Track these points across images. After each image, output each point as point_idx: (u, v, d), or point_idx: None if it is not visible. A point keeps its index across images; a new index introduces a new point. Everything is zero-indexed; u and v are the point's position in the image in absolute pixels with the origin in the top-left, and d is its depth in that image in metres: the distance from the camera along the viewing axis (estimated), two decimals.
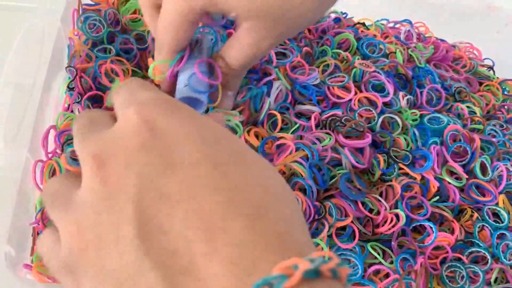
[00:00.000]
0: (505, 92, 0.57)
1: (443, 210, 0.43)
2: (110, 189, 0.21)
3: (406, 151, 0.44)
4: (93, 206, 0.21)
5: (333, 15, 0.56)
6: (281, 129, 0.44)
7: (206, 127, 0.23)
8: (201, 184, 0.20)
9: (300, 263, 0.17)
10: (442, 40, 0.60)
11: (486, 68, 0.60)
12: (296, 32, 0.47)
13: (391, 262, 0.41)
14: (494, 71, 0.60)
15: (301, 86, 0.46)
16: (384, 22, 0.59)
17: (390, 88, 0.48)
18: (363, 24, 0.57)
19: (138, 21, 0.51)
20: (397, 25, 0.60)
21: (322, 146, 0.42)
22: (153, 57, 0.43)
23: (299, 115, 0.47)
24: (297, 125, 0.44)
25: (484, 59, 0.62)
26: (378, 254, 0.41)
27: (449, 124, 0.47)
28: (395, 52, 0.52)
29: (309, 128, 0.44)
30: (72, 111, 0.46)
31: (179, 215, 0.19)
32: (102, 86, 0.47)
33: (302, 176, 0.40)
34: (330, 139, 0.43)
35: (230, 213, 0.19)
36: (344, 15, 0.57)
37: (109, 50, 0.49)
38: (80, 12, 0.49)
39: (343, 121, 0.44)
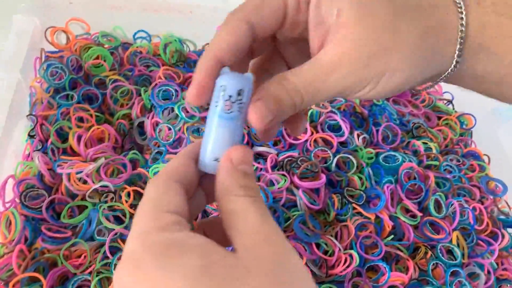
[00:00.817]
0: (463, 126, 0.59)
1: (398, 248, 0.44)
2: None
3: (361, 190, 0.45)
4: None
5: None
6: None
7: None
8: None
9: None
10: None
11: (445, 102, 0.61)
12: None
13: None
14: (453, 105, 0.61)
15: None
16: None
17: (345, 127, 0.49)
18: None
19: (100, 66, 0.52)
20: None
21: (278, 188, 0.43)
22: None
23: (257, 156, 0.48)
24: (254, 167, 0.45)
25: (444, 92, 0.63)
26: None
27: (404, 162, 0.48)
28: None
29: (265, 169, 0.45)
30: (32, 159, 0.46)
31: None
32: (64, 132, 0.48)
33: None
34: (285, 180, 0.44)
35: None
36: None
37: (71, 97, 0.50)
38: (43, 59, 0.51)
39: (298, 162, 0.45)
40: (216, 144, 0.26)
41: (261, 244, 0.23)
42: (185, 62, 0.54)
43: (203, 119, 0.46)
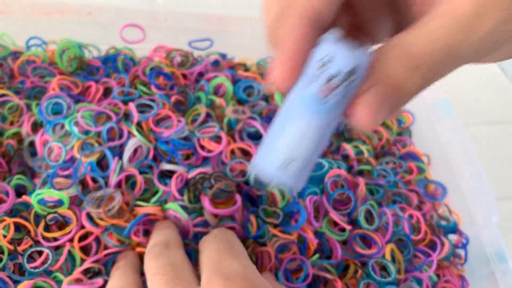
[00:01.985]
0: (401, 125, 0.55)
1: (326, 268, 0.39)
2: None
3: (277, 208, 0.39)
4: None
5: (211, 57, 0.52)
6: (144, 191, 0.40)
7: None
8: None
9: None
10: None
11: None
12: None
13: None
14: None
15: (163, 142, 0.42)
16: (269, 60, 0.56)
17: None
18: (244, 65, 0.53)
19: None
20: None
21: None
22: None
23: (168, 173, 0.42)
24: (160, 191, 0.39)
25: None
26: None
27: (330, 169, 0.43)
28: (275, 94, 0.48)
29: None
30: None
31: None
32: None
33: None
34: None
35: None
36: (222, 57, 0.53)
37: None
38: None
39: (212, 180, 0.39)
40: (292, 144, 0.17)
41: None
42: (86, 69, 0.48)
43: (100, 134, 0.40)
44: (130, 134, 0.41)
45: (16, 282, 0.35)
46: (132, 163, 0.40)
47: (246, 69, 0.53)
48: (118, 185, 0.38)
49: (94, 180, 0.38)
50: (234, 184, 0.39)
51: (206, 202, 0.38)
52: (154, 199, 0.39)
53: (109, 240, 0.36)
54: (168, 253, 0.31)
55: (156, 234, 0.35)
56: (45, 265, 0.35)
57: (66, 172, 0.39)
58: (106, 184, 0.38)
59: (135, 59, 0.50)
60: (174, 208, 0.37)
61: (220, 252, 0.30)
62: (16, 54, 0.48)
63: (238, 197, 0.39)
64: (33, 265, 0.36)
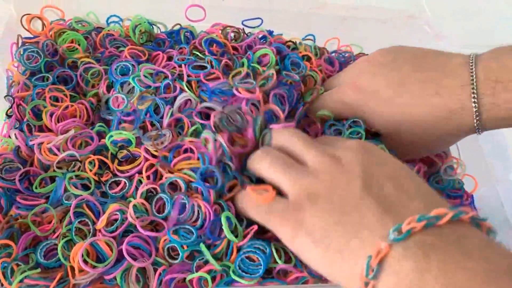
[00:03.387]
0: None
1: None
2: (342, 166, 0.38)
3: None
4: (328, 172, 0.38)
5: (260, 33, 0.59)
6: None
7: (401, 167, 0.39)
8: (402, 176, 0.37)
9: (448, 212, 0.30)
10: None
11: None
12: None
13: None
14: None
15: (207, 92, 0.49)
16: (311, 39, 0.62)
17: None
18: (294, 43, 0.60)
19: (75, 50, 0.56)
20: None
21: None
22: None
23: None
24: (196, 126, 0.47)
25: None
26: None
27: None
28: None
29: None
30: (9, 136, 0.50)
31: (390, 184, 0.35)
32: (40, 112, 0.52)
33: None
34: None
35: (415, 191, 0.35)
36: (270, 33, 0.60)
37: (47, 78, 0.53)
38: (19, 45, 0.55)
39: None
40: None
41: None
42: (154, 41, 0.57)
43: (158, 89, 0.49)
44: (182, 90, 0.49)
45: (103, 204, 0.44)
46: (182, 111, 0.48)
47: (295, 47, 0.59)
48: (170, 126, 0.47)
49: (152, 124, 0.47)
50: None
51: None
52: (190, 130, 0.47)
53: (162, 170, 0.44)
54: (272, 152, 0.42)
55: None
56: (123, 191, 0.44)
57: (129, 118, 0.47)
58: (161, 126, 0.46)
59: (195, 33, 0.58)
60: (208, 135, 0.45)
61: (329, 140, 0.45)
62: (98, 29, 0.58)
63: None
64: (113, 191, 0.45)
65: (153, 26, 0.59)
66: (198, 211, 0.42)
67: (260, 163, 0.42)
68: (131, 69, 0.51)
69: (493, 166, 0.48)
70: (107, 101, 0.53)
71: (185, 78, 0.50)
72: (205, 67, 0.52)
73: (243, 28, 0.59)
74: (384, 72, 0.47)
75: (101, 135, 0.49)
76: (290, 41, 0.60)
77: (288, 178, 0.38)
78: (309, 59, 0.58)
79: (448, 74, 0.43)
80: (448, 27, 0.65)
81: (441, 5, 0.75)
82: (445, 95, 0.43)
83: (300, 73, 0.54)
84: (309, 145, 0.40)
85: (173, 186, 0.44)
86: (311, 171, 0.38)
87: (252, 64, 0.54)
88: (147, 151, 0.45)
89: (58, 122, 0.50)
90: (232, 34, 0.58)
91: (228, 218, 0.41)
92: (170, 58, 0.55)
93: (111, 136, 0.46)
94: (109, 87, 0.53)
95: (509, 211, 0.45)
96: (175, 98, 0.49)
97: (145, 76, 0.50)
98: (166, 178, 0.43)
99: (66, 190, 0.45)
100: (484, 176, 0.48)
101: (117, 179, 0.45)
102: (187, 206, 0.41)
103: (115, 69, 0.51)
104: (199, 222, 0.41)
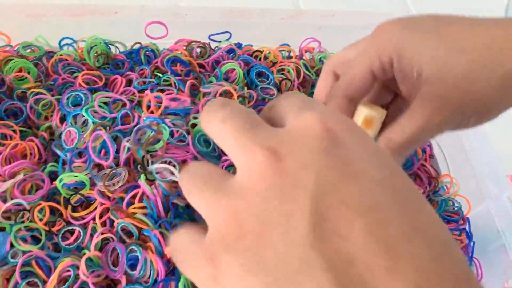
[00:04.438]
0: None
1: None
2: (285, 180, 0.21)
3: None
4: (261, 193, 0.21)
5: (227, 47, 0.54)
6: None
7: (383, 155, 0.23)
8: (383, 202, 0.20)
9: None
10: None
11: None
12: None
13: None
14: None
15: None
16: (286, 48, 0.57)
17: None
18: (261, 51, 0.55)
19: (24, 79, 0.50)
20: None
21: None
22: None
23: None
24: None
25: None
26: None
27: None
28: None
29: None
30: None
31: (359, 225, 0.19)
32: None
33: None
34: None
35: (415, 239, 0.19)
36: (238, 46, 0.54)
37: None
38: None
39: None
40: None
41: None
42: (111, 63, 0.52)
43: (115, 119, 0.43)
44: (141, 119, 0.43)
45: (54, 259, 0.39)
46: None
47: (265, 57, 0.54)
48: (127, 163, 0.41)
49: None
50: None
51: None
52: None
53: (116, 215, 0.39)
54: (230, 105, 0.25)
55: None
56: (78, 241, 0.39)
57: (84, 157, 0.42)
58: (117, 164, 0.41)
59: (157, 51, 0.53)
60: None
61: (305, 100, 0.25)
62: (50, 54, 0.53)
63: None
64: (67, 242, 0.39)
65: (111, 46, 0.54)
66: (150, 267, 0.36)
67: (181, 183, 0.26)
68: (83, 99, 0.45)
69: (484, 185, 0.43)
70: (61, 135, 0.48)
71: (144, 105, 0.44)
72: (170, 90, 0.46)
73: (209, 43, 0.54)
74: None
75: (55, 174, 0.44)
76: (257, 50, 0.55)
77: (205, 206, 0.23)
78: (276, 63, 0.53)
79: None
80: None
81: (427, 7, 0.71)
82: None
83: (270, 82, 0.49)
84: (241, 138, 0.23)
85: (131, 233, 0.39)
86: (236, 190, 0.22)
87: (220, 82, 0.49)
88: (101, 193, 0.39)
89: (6, 163, 0.44)
90: (198, 50, 0.53)
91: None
92: (130, 82, 0.49)
93: (61, 179, 0.41)
94: (63, 119, 0.47)
95: (505, 234, 0.40)
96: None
97: (100, 106, 0.44)
98: (117, 223, 0.38)
99: (12, 245, 0.39)
100: (476, 196, 0.43)
101: (70, 227, 0.40)
102: (140, 259, 0.36)
103: (67, 99, 0.46)
104: (150, 281, 0.36)
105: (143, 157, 0.39)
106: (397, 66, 0.34)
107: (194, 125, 0.43)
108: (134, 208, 0.39)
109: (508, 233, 0.41)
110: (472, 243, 0.42)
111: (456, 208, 0.44)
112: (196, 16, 0.56)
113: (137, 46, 0.54)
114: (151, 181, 0.39)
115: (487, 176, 0.43)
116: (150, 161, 0.40)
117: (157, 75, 0.48)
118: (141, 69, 0.50)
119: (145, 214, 0.38)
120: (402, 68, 0.34)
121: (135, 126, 0.43)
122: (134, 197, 0.39)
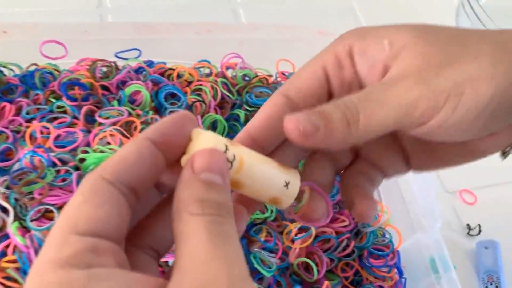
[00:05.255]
0: None
1: None
2: None
3: None
4: None
5: (135, 65, 0.49)
6: None
7: None
8: None
9: None
10: None
11: None
12: None
13: None
14: None
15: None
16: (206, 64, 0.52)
17: None
18: (174, 69, 0.50)
19: None
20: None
21: None
22: None
23: None
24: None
25: None
26: None
27: None
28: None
29: None
30: None
31: None
32: None
33: None
34: None
35: None
36: (149, 64, 0.49)
37: None
38: None
39: None
40: None
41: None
42: (2, 88, 0.45)
43: None
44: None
45: None
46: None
47: (179, 75, 0.49)
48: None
49: None
50: None
51: None
52: None
53: None
54: None
55: None
56: None
57: None
58: None
59: (55, 73, 0.47)
60: None
61: None
62: None
63: None
64: None
65: (3, 69, 0.47)
66: None
67: None
68: None
69: (415, 215, 0.39)
70: None
71: (27, 137, 0.38)
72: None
73: (115, 62, 0.48)
74: None
75: None
76: (170, 69, 0.50)
77: None
78: (191, 82, 0.48)
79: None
80: None
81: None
82: None
83: (182, 105, 0.44)
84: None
85: None
86: None
87: (124, 105, 0.43)
88: None
89: None
90: (104, 69, 0.48)
91: None
92: (20, 109, 0.43)
93: None
94: None
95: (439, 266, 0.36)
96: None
97: None
98: None
99: None
100: (407, 227, 0.39)
101: None
102: None
103: None
104: None
105: (16, 201, 0.33)
106: (358, 49, 0.26)
107: (83, 160, 0.38)
108: (7, 262, 0.33)
109: (441, 265, 0.37)
110: (403, 280, 0.38)
111: (386, 241, 0.40)
112: (102, 32, 0.50)
113: (32, 67, 0.48)
114: (27, 230, 0.33)
115: (420, 205, 0.39)
116: (27, 206, 0.34)
117: (51, 101, 0.43)
118: (36, 94, 0.44)
119: (17, 269, 0.32)
120: (366, 47, 0.26)
121: (18, 160, 0.38)
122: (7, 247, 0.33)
